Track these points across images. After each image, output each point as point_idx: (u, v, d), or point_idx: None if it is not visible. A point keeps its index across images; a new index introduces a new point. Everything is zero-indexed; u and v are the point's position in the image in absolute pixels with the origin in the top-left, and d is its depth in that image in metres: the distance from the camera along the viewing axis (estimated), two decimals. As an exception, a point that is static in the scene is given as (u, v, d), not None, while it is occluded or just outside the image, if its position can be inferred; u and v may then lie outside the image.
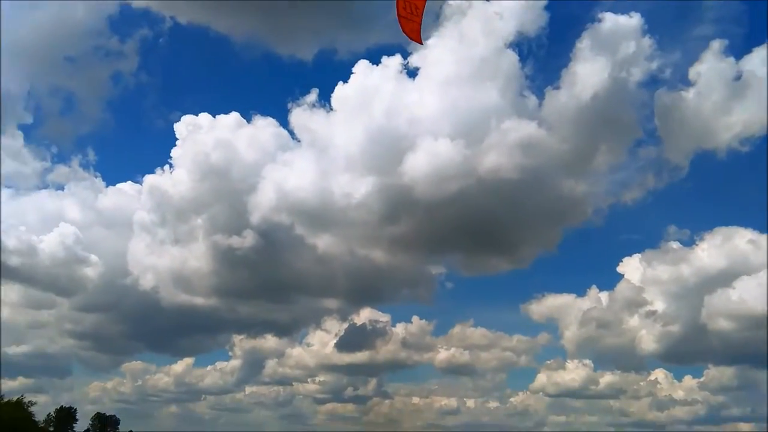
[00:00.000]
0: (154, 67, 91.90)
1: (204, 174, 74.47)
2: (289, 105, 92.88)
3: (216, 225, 74.23)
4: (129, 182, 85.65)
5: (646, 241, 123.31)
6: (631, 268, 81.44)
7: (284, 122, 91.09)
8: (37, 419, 69.01)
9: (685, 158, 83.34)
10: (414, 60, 74.25)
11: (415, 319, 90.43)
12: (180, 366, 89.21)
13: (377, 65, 74.88)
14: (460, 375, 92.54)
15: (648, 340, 79.25)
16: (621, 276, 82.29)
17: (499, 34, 72.19)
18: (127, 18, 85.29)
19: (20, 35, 69.86)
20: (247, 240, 73.27)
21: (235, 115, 78.85)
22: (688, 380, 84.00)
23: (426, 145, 69.52)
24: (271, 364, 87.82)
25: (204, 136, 76.39)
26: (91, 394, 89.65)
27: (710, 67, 77.53)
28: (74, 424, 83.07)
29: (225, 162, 75.04)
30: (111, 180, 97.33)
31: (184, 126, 77.16)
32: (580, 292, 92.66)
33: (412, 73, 75.26)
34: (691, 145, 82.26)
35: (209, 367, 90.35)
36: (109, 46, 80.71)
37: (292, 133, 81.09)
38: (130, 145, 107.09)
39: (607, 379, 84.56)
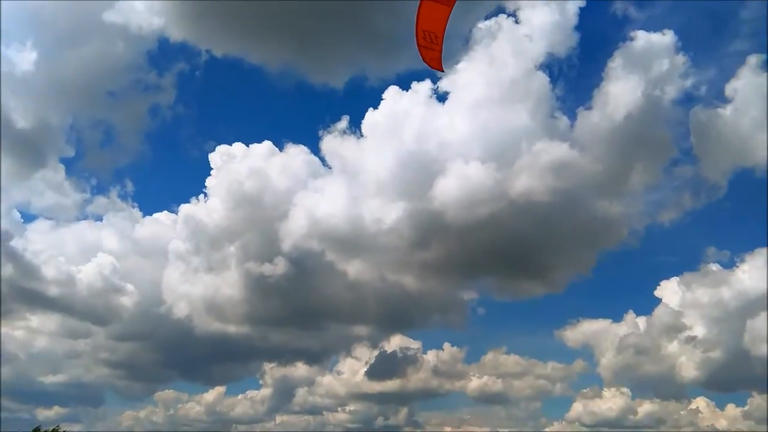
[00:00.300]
0: (190, 99, 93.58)
1: (237, 202, 74.96)
2: (321, 132, 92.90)
3: (248, 253, 74.31)
4: (165, 212, 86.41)
5: (685, 263, 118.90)
6: (669, 291, 78.70)
7: (315, 149, 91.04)
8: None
9: (723, 177, 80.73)
10: (443, 84, 73.92)
11: (446, 345, 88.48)
12: (211, 395, 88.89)
13: (407, 91, 74.75)
14: (493, 404, 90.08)
15: (688, 366, 76.09)
16: (659, 300, 79.60)
17: (529, 55, 71.45)
18: (165, 52, 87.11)
19: (64, 71, 72.00)
20: (278, 267, 72.97)
21: (267, 144, 79.39)
22: (731, 409, 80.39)
23: (456, 169, 68.78)
24: (301, 393, 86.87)
25: (238, 165, 76.94)
26: (124, 423, 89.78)
27: (747, 82, 75.36)
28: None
29: (257, 190, 75.44)
30: (148, 210, 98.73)
31: (219, 156, 77.92)
32: (617, 317, 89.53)
33: (442, 97, 75.01)
34: (728, 164, 79.73)
35: (240, 396, 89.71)
36: (148, 80, 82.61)
37: (323, 159, 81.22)
38: (166, 175, 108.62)
39: (645, 407, 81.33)
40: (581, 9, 71.77)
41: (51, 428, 65.95)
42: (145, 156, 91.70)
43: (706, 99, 79.28)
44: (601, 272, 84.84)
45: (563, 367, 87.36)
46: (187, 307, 75.69)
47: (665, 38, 72.14)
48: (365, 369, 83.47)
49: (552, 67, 77.78)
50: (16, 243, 65.50)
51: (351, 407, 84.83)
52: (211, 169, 77.09)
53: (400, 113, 73.36)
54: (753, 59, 74.96)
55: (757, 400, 79.02)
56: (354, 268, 75.80)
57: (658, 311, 79.07)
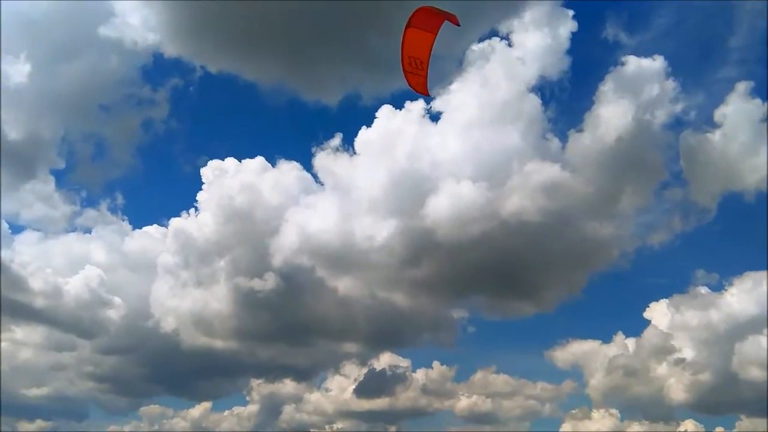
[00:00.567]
0: (183, 114, 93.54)
1: (228, 217, 74.69)
2: (314, 149, 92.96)
3: (238, 268, 73.94)
4: (155, 225, 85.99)
5: (674, 285, 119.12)
6: (659, 313, 78.79)
7: (308, 166, 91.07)
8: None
9: (713, 200, 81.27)
10: (437, 104, 74.26)
11: (436, 364, 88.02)
12: (197, 410, 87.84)
13: (400, 110, 75.07)
14: (482, 423, 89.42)
15: (677, 389, 76.02)
16: (648, 322, 79.60)
17: (522, 78, 71.98)
18: (159, 68, 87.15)
19: (57, 84, 72.14)
20: (268, 283, 72.59)
21: (260, 159, 79.24)
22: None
23: (448, 188, 68.91)
24: (288, 410, 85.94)
25: (229, 180, 76.76)
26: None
27: (736, 108, 76.19)
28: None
29: (249, 205, 75.20)
30: (138, 223, 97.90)
31: (211, 170, 77.75)
32: (606, 338, 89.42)
33: (435, 117, 75.31)
34: (718, 188, 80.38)
35: (226, 412, 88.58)
36: (142, 95, 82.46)
37: (315, 176, 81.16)
38: (157, 189, 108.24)
39: (634, 429, 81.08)
40: (573, 33, 72.58)
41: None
42: (137, 169, 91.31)
43: (695, 124, 79.93)
44: (591, 293, 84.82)
45: (553, 388, 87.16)
46: (175, 321, 75.05)
47: (656, 63, 73.00)
48: (354, 386, 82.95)
49: (544, 89, 78.37)
50: (3, 254, 65.11)
51: (339, 425, 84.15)
52: (203, 183, 77.00)
53: (393, 132, 73.57)
54: (741, 86, 75.87)
55: (745, 423, 78.97)
56: (344, 285, 75.55)
57: (647, 333, 79.16)
